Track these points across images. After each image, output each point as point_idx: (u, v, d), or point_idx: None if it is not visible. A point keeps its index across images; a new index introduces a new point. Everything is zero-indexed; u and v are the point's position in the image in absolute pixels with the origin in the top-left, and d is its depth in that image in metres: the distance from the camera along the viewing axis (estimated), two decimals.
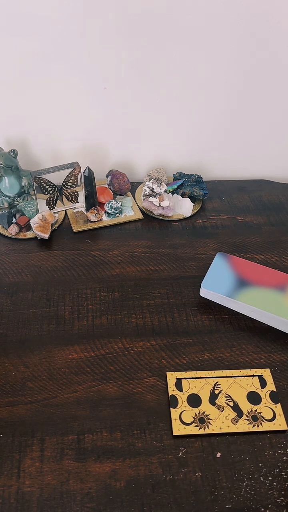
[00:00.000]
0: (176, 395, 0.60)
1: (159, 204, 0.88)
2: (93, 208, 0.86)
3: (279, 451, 0.56)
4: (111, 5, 0.75)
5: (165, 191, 0.91)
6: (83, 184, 0.85)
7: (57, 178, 0.84)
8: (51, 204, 0.86)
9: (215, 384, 0.61)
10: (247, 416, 0.58)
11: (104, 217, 0.88)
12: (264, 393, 0.60)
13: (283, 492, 0.52)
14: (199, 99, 0.89)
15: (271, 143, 0.97)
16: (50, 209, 0.87)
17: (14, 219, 0.85)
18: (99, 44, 0.79)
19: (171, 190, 0.92)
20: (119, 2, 0.74)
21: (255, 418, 0.58)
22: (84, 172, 0.83)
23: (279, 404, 0.59)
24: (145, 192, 0.91)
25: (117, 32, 0.78)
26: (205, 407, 0.59)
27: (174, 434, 0.57)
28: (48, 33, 0.77)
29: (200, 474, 0.54)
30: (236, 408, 0.59)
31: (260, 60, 0.84)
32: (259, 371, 0.63)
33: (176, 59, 0.83)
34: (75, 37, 0.78)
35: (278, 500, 0.52)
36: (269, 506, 0.51)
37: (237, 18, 0.78)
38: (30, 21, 0.75)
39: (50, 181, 0.83)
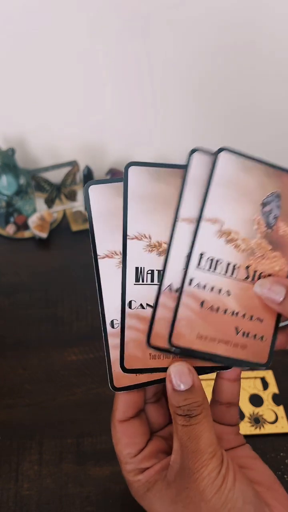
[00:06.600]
0: None
1: None
2: None
3: (281, 454, 0.55)
4: (110, 2, 0.74)
5: None
6: (82, 182, 0.84)
7: (55, 177, 0.83)
8: (49, 203, 0.85)
9: None
10: (249, 418, 0.57)
11: None
12: (267, 395, 0.59)
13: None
14: (202, 98, 0.88)
15: (276, 143, 0.96)
16: (48, 208, 0.86)
17: (11, 218, 0.84)
18: (100, 41, 0.78)
19: None
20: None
21: (257, 420, 0.57)
22: (83, 171, 0.82)
23: (281, 406, 0.58)
24: None
25: (118, 29, 0.77)
26: None
27: None
28: (48, 30, 0.76)
29: None
30: None
31: (264, 59, 0.83)
32: (261, 373, 0.62)
33: (179, 58, 0.82)
34: (75, 35, 0.77)
35: None
36: None
37: (234, 17, 0.77)
38: (30, 17, 0.74)
39: (48, 180, 0.82)
